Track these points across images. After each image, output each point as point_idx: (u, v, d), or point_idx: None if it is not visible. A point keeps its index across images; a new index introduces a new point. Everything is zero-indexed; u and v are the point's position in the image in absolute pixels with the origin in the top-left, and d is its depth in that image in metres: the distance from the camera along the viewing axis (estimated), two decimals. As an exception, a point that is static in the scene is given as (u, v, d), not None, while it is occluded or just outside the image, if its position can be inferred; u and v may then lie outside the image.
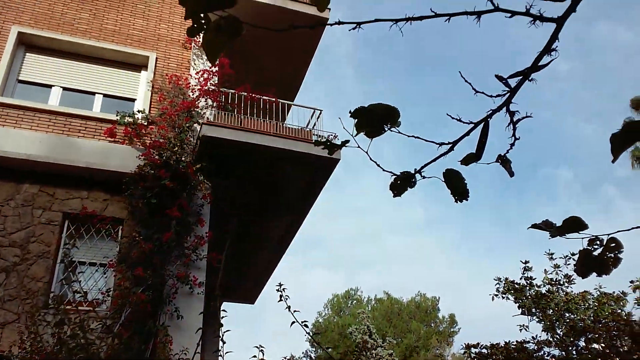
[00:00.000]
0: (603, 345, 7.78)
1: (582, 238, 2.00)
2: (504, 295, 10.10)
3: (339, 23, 1.45)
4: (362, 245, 72.23)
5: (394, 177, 1.93)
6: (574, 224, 1.94)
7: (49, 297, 8.40)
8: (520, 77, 1.51)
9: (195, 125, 10.19)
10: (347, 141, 1.99)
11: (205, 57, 8.38)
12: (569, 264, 9.48)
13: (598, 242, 1.98)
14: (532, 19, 1.41)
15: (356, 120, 1.76)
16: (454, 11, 1.67)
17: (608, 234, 1.96)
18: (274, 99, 11.02)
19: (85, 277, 8.96)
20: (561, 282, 9.45)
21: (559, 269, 9.67)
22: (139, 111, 10.16)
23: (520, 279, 9.91)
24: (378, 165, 1.92)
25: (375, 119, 1.76)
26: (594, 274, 1.97)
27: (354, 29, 1.45)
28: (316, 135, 10.86)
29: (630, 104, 28.53)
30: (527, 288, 9.70)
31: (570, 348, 8.31)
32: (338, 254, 69.90)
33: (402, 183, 1.94)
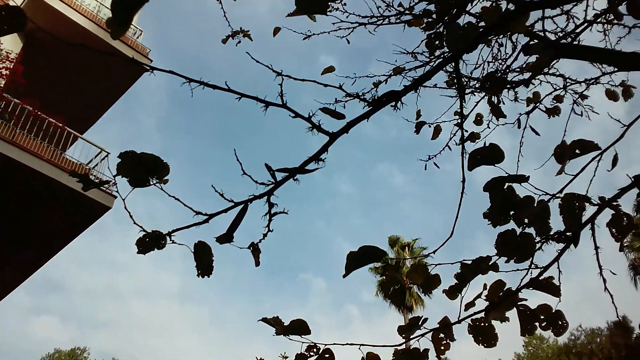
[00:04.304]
0: None
1: (303, 342, 2.09)
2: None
3: (152, 70, 1.40)
4: (104, 302, 67.26)
5: (144, 233, 1.84)
6: (299, 327, 2.02)
7: None
8: (287, 174, 1.60)
9: (-44, 120, 8.87)
10: (108, 182, 1.87)
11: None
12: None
13: (315, 350, 2.09)
14: (310, 126, 1.52)
15: (121, 162, 1.66)
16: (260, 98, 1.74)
17: (325, 344, 2.09)
18: (60, 125, 10.17)
19: None
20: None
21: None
22: None
23: (252, 376, 10.09)
24: (131, 217, 1.82)
25: (142, 168, 1.69)
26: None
27: (147, 70, 1.41)
28: (94, 176, 10.16)
29: (388, 241, 32.03)
30: (255, 386, 9.87)
31: None
32: (76, 305, 63.89)
33: (150, 241, 1.85)
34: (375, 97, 1.59)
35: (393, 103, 1.61)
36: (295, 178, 1.60)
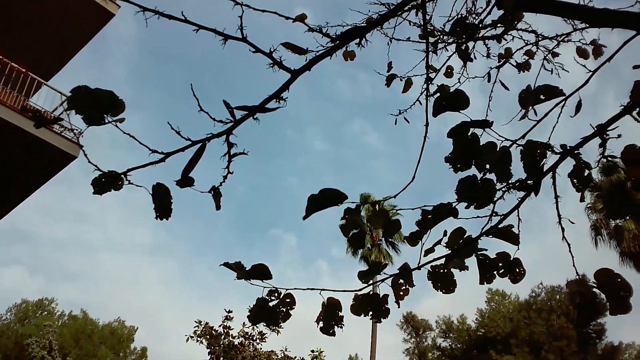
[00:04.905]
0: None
1: (264, 287, 2.09)
2: (199, 339, 10.22)
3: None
4: (73, 254, 66.72)
5: (100, 173, 1.79)
6: (260, 272, 2.02)
7: None
8: (247, 112, 1.55)
9: None
10: (61, 119, 1.80)
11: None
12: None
13: (276, 295, 2.08)
14: (272, 62, 1.47)
15: (73, 97, 1.59)
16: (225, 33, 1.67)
17: (287, 289, 2.08)
18: (24, 70, 9.81)
19: None
20: (254, 338, 9.92)
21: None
22: None
23: (220, 326, 10.16)
24: (85, 155, 1.76)
25: (95, 105, 1.62)
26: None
27: None
28: (59, 124, 9.88)
29: (360, 199, 32.41)
30: (223, 337, 9.99)
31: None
32: (43, 256, 63.27)
33: (106, 181, 1.80)
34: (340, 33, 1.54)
35: (357, 40, 1.57)
36: (255, 117, 1.55)
